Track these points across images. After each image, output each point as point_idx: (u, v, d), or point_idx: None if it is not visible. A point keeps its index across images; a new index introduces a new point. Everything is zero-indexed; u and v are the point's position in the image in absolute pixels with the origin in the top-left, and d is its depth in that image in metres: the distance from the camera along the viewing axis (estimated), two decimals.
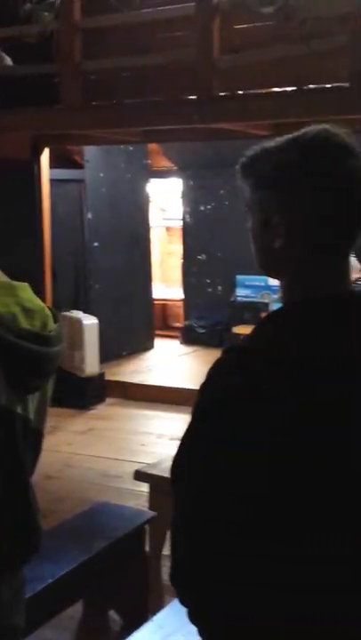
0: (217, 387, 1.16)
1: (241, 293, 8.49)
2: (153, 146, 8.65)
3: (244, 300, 8.41)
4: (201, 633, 1.19)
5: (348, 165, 1.20)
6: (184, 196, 9.52)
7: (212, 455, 1.13)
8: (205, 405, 1.17)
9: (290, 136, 1.25)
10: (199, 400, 1.18)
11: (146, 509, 3.37)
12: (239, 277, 8.46)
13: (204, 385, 1.18)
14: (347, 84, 4.47)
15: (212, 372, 1.18)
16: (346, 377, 1.14)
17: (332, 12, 4.72)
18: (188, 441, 1.18)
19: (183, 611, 1.25)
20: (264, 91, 5.05)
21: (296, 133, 1.25)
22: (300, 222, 1.20)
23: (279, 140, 1.26)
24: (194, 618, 1.18)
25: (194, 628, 1.23)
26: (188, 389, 6.94)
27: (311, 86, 4.89)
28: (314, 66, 4.81)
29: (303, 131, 1.24)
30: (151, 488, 3.45)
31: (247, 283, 8.34)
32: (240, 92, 5.09)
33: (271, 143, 1.26)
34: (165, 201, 10.79)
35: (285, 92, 4.96)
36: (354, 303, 1.21)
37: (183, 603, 1.18)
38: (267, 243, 1.24)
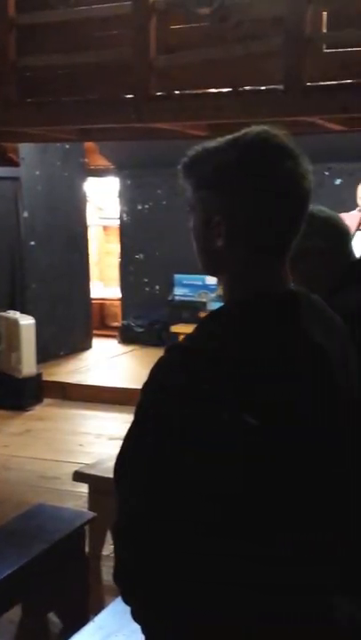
0: (160, 386, 1.17)
1: (179, 292, 8.52)
2: (89, 144, 8.61)
3: (182, 298, 8.45)
4: (144, 630, 1.20)
5: (286, 167, 1.22)
6: (121, 195, 9.50)
7: (156, 454, 1.14)
8: (149, 405, 1.17)
9: (230, 137, 1.26)
10: (142, 399, 1.18)
11: (85, 510, 3.36)
12: (177, 276, 8.49)
13: (146, 384, 1.19)
14: (281, 87, 4.52)
15: (154, 371, 1.18)
16: (288, 377, 1.16)
17: (267, 14, 4.77)
18: (131, 440, 1.18)
19: (124, 611, 1.25)
20: (200, 91, 5.07)
21: (236, 134, 1.27)
22: (240, 222, 1.22)
23: (220, 140, 1.27)
24: (137, 616, 1.18)
25: (135, 628, 1.24)
26: (127, 389, 6.93)
27: (247, 88, 4.93)
28: (249, 67, 4.85)
29: (243, 132, 1.26)
30: (90, 488, 3.44)
31: (185, 282, 8.38)
32: (177, 92, 5.11)
33: (212, 143, 1.28)
34: (102, 200, 10.75)
35: (221, 92, 4.99)
36: (294, 303, 1.23)
37: (128, 602, 1.18)
38: (208, 242, 1.25)
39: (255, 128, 1.26)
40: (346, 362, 1.30)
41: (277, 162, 1.22)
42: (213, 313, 1.23)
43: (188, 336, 1.21)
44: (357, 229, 5.42)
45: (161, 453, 1.14)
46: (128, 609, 1.21)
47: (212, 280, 8.28)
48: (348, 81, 4.61)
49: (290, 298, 1.24)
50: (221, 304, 1.25)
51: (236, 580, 1.13)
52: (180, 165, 1.30)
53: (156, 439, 1.15)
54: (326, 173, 8.14)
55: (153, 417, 1.16)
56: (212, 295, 8.16)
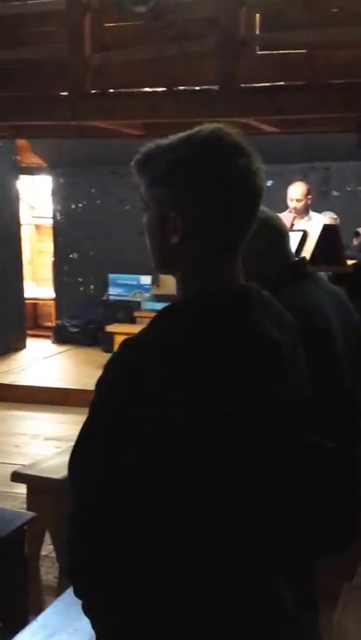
0: (111, 382, 1.17)
1: (113, 292, 8.50)
2: (22, 142, 8.52)
3: (117, 298, 8.44)
4: (95, 626, 1.20)
5: (239, 164, 1.24)
6: (54, 193, 9.42)
7: (106, 453, 1.14)
8: (100, 401, 1.17)
9: (183, 134, 1.27)
10: (96, 396, 1.18)
11: (24, 511, 3.32)
12: (111, 276, 8.47)
13: (100, 380, 1.19)
14: (216, 87, 4.56)
15: (107, 366, 1.19)
16: (240, 372, 1.17)
17: (202, 14, 4.80)
18: (86, 438, 1.18)
19: (67, 609, 1.26)
20: (136, 90, 5.07)
21: (190, 131, 1.28)
22: (194, 219, 1.23)
23: (173, 137, 1.28)
24: (89, 611, 1.19)
25: (79, 625, 1.25)
26: (62, 389, 6.88)
27: (182, 87, 4.96)
28: (185, 67, 4.88)
29: (197, 129, 1.27)
30: (28, 489, 3.40)
31: (119, 281, 8.36)
32: (112, 91, 5.10)
33: (165, 141, 1.29)
34: (34, 198, 10.63)
35: (157, 92, 5.00)
36: (246, 298, 1.24)
37: (80, 596, 1.19)
38: (162, 239, 1.26)
39: (209, 126, 1.27)
40: (296, 358, 1.33)
41: (230, 159, 1.23)
42: (167, 308, 1.24)
43: (143, 331, 1.21)
44: (290, 230, 5.50)
45: (110, 453, 1.14)
46: (71, 607, 1.22)
47: (146, 280, 8.28)
48: (282, 83, 4.70)
49: (242, 293, 1.25)
50: (155, 303, 1.26)
51: (188, 573, 1.15)
52: (133, 162, 1.30)
53: (106, 437, 1.15)
54: None
55: (104, 414, 1.16)
56: (147, 295, 8.16)
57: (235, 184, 1.23)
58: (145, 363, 1.14)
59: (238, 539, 1.18)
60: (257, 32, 4.75)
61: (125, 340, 1.19)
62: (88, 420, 1.18)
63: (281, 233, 2.07)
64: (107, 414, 1.16)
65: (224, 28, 4.46)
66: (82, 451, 1.18)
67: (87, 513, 1.16)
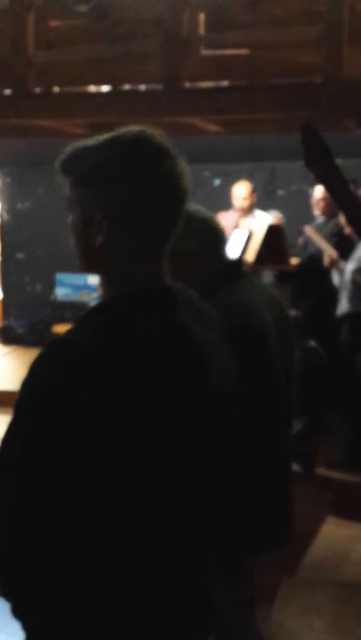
0: (38, 381, 1.17)
1: (61, 292, 8.45)
2: None
3: (64, 298, 8.38)
4: (25, 628, 1.20)
5: (164, 166, 1.25)
6: (0, 193, 9.32)
7: (27, 455, 1.15)
8: (27, 400, 1.17)
9: (109, 135, 1.27)
10: (20, 394, 1.18)
11: None
12: (59, 276, 8.41)
13: (25, 380, 1.19)
14: (160, 87, 4.58)
15: (32, 366, 1.19)
16: (163, 371, 1.18)
17: (146, 14, 4.81)
18: (11, 437, 1.17)
19: (2, 611, 1.24)
20: (81, 89, 5.06)
21: (115, 133, 1.28)
22: (118, 220, 1.23)
23: (99, 138, 1.28)
24: (17, 613, 1.18)
25: (17, 627, 1.24)
26: (7, 391, 6.81)
27: (127, 87, 4.97)
28: (129, 67, 4.88)
29: (122, 131, 1.27)
30: None
31: (67, 281, 8.31)
32: (56, 90, 5.08)
33: (90, 141, 1.28)
34: None
35: (101, 91, 5.00)
36: (171, 298, 1.26)
37: (7, 599, 1.18)
38: (87, 240, 1.26)
39: (134, 128, 1.27)
40: (222, 356, 1.34)
41: (155, 161, 1.24)
42: (94, 308, 1.24)
43: (69, 331, 1.22)
44: (235, 228, 5.54)
45: (31, 454, 1.14)
46: (6, 609, 1.21)
47: (93, 280, 8.25)
48: (225, 83, 4.74)
49: (167, 294, 1.26)
50: None
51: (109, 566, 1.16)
52: (57, 163, 1.30)
53: (28, 438, 1.15)
54: (206, 174, 8.29)
55: (31, 412, 1.16)
56: (94, 294, 8.14)
57: (159, 186, 1.24)
58: (72, 362, 1.14)
59: (165, 533, 1.19)
60: (202, 32, 4.79)
61: (52, 339, 1.19)
62: (13, 418, 1.17)
63: (217, 233, 2.08)
64: (34, 414, 1.15)
65: (168, 28, 4.48)
66: (4, 451, 1.17)
67: (7, 515, 1.15)
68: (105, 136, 1.27)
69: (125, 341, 1.17)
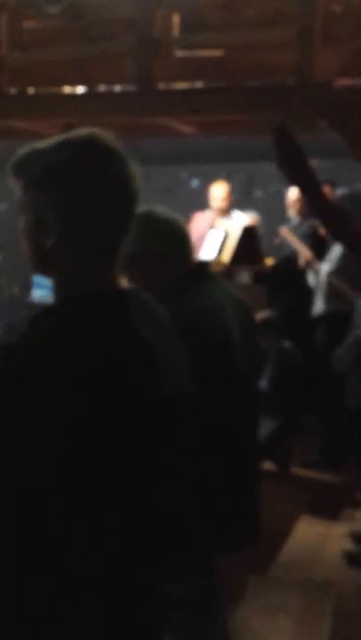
0: None
1: (37, 293, 8.42)
2: None
3: (41, 300, 8.35)
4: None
5: (114, 168, 1.25)
6: None
7: None
8: None
9: (60, 137, 1.28)
10: None
11: None
12: (36, 277, 8.39)
13: None
14: (134, 87, 4.58)
15: None
16: (113, 375, 1.17)
17: (120, 14, 4.81)
18: None
19: None
20: (55, 90, 5.05)
21: (66, 135, 1.28)
22: (69, 223, 1.24)
23: (50, 140, 1.29)
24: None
25: None
26: None
27: (102, 88, 4.96)
28: (104, 68, 4.88)
29: (73, 133, 1.28)
30: None
31: (43, 283, 8.28)
32: (31, 91, 5.06)
33: (41, 144, 1.29)
34: None
35: (76, 92, 4.99)
36: (122, 300, 1.26)
37: None
38: (39, 242, 1.27)
39: (85, 130, 1.28)
40: (174, 359, 1.34)
41: (105, 164, 1.25)
42: (44, 310, 1.25)
43: (20, 333, 1.22)
44: (210, 229, 5.56)
45: None
46: None
47: None
48: (200, 84, 4.74)
49: (118, 295, 1.27)
50: None
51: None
52: (9, 165, 1.30)
53: None
54: (185, 175, 8.30)
55: None
56: None
57: (109, 189, 1.24)
58: (22, 365, 1.14)
59: (121, 538, 1.19)
60: (176, 33, 4.79)
61: (2, 344, 1.18)
62: None
63: (183, 235, 2.09)
64: None
65: (140, 29, 4.47)
66: None
67: None
68: (56, 138, 1.27)
69: (75, 343, 1.16)
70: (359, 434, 3.98)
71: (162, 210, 2.11)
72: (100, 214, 1.24)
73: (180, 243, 2.07)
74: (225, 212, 6.06)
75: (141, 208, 2.13)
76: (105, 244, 1.27)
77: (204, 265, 2.15)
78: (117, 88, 4.91)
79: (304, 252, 5.23)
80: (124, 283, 1.32)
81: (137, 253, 2.07)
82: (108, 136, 1.28)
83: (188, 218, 6.35)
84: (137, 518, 1.21)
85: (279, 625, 2.26)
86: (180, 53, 4.76)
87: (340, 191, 6.29)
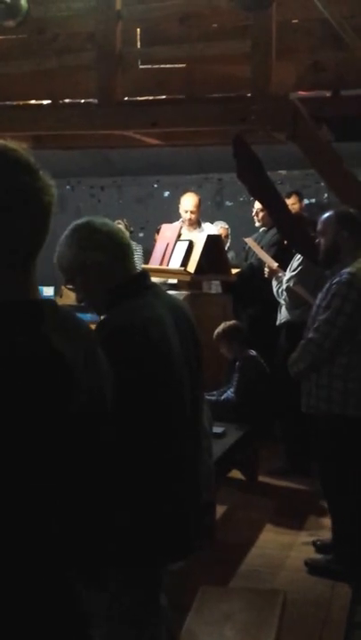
0: None
1: None
2: None
3: None
4: None
5: (23, 181, 1.24)
6: None
7: None
8: None
9: None
10: None
11: None
12: None
13: None
14: (96, 101, 4.59)
15: None
16: (25, 388, 1.16)
17: (82, 28, 4.83)
18: None
19: None
20: (19, 102, 5.06)
21: None
22: None
23: None
24: None
25: None
26: None
27: (65, 100, 4.97)
28: (67, 81, 4.89)
29: None
30: None
31: None
32: None
33: None
34: None
35: (39, 104, 5.01)
36: (36, 311, 1.24)
37: None
38: None
39: None
40: (92, 372, 1.32)
41: (13, 176, 1.23)
42: None
43: None
44: (177, 240, 5.56)
45: None
46: None
47: (49, 290, 8.19)
48: (163, 97, 4.76)
49: (29, 306, 1.25)
50: None
51: None
52: None
53: None
54: (155, 186, 8.32)
55: None
56: None
57: (17, 200, 1.23)
58: None
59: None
60: (137, 47, 4.81)
61: None
62: None
63: (122, 245, 2.09)
64: None
65: (101, 42, 4.49)
66: None
67: None
68: None
69: None
70: (315, 438, 3.99)
71: (102, 221, 2.12)
72: (9, 228, 1.23)
73: (120, 254, 2.08)
74: (195, 223, 6.07)
75: (81, 219, 2.16)
76: (15, 255, 1.25)
77: (144, 276, 2.15)
78: (80, 101, 4.91)
79: (268, 262, 5.25)
80: (37, 294, 1.31)
81: (77, 265, 2.09)
82: (19, 148, 1.26)
83: (159, 228, 6.37)
84: (43, 526, 1.21)
85: (225, 635, 2.25)
86: (142, 67, 4.79)
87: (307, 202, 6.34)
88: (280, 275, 5.10)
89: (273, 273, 5.18)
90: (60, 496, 1.22)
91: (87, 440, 1.27)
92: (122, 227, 6.14)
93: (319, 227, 3.77)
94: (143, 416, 1.87)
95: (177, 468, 1.97)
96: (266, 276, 5.25)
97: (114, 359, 1.42)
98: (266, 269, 5.27)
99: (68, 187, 9.19)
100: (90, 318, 2.28)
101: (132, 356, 1.88)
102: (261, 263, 5.44)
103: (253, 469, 5.13)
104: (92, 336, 1.40)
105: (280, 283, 5.05)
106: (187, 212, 6.03)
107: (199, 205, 6.15)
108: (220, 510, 4.38)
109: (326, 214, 3.77)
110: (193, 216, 6.03)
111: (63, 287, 8.36)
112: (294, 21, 4.43)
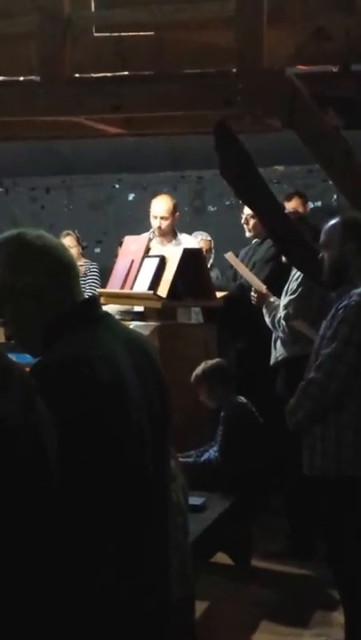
0: None
1: None
2: None
3: None
4: None
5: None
6: None
7: None
8: None
9: None
10: None
11: None
12: None
13: None
14: (37, 78, 4.58)
15: None
16: None
17: None
18: None
19: None
20: None
21: None
22: None
23: None
24: None
25: None
26: None
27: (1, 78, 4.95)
28: (3, 53, 4.88)
29: None
30: None
31: None
32: None
33: None
34: None
35: None
36: None
37: None
38: None
39: None
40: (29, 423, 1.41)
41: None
42: None
43: None
44: (145, 256, 5.52)
45: None
46: None
47: None
48: (124, 73, 4.75)
49: None
50: None
51: None
52: None
53: None
54: (116, 186, 8.33)
55: None
56: None
57: None
58: None
59: None
60: (91, 9, 4.81)
61: None
62: None
63: (63, 265, 2.07)
64: None
65: (45, 4, 4.48)
66: None
67: None
68: None
69: None
70: (321, 509, 3.95)
71: (37, 233, 2.11)
72: None
73: (58, 275, 2.06)
74: (168, 233, 6.06)
75: (10, 231, 2.13)
76: None
77: (92, 303, 2.14)
78: (19, 79, 4.90)
79: (255, 285, 5.21)
80: None
81: (5, 290, 2.06)
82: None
83: (122, 242, 6.35)
84: None
85: None
86: (96, 34, 4.78)
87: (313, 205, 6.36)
88: (272, 300, 5.06)
89: (262, 299, 5.13)
90: None
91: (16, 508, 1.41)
92: (69, 240, 6.06)
93: (322, 238, 3.76)
94: (89, 482, 1.85)
95: (134, 553, 1.93)
96: (253, 302, 5.21)
97: (54, 405, 1.53)
98: (253, 294, 5.22)
99: (0, 189, 9.19)
100: (28, 360, 2.27)
101: (74, 398, 1.87)
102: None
103: (244, 552, 5.09)
104: (28, 381, 1.48)
105: (275, 310, 5.01)
106: (157, 219, 6.03)
107: (174, 211, 6.15)
108: (201, 606, 4.33)
109: (331, 222, 3.76)
110: (165, 224, 6.03)
111: None
112: None
